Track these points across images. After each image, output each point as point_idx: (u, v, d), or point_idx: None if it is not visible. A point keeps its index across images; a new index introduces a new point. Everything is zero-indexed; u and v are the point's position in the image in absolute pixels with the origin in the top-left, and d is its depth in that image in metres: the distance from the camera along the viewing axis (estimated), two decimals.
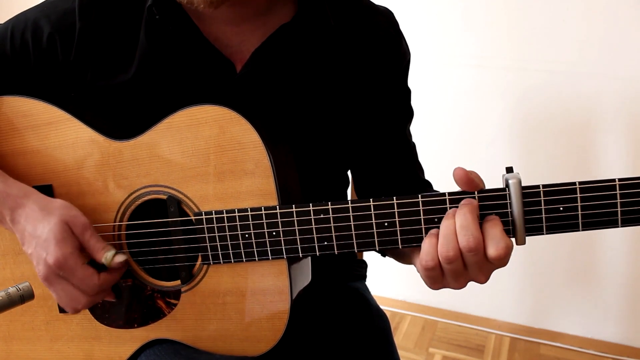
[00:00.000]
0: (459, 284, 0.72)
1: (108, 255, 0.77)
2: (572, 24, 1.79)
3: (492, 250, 0.67)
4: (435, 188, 1.00)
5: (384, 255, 0.97)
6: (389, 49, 0.93)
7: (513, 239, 0.70)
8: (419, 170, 1.02)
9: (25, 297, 0.70)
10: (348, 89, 0.90)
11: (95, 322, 0.87)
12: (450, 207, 0.70)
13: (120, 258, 0.78)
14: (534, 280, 2.09)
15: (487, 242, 0.67)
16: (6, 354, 0.92)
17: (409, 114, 1.00)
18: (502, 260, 0.67)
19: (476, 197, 0.70)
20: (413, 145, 1.02)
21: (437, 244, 0.70)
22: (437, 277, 0.72)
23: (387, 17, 0.95)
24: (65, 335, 0.89)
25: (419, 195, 0.71)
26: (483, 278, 0.71)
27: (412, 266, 0.81)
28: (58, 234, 0.75)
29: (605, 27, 1.75)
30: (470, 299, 2.17)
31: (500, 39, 1.90)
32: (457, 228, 0.68)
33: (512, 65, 1.90)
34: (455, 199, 0.70)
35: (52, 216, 0.76)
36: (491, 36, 1.90)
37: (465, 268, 0.70)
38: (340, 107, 0.90)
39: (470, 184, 0.70)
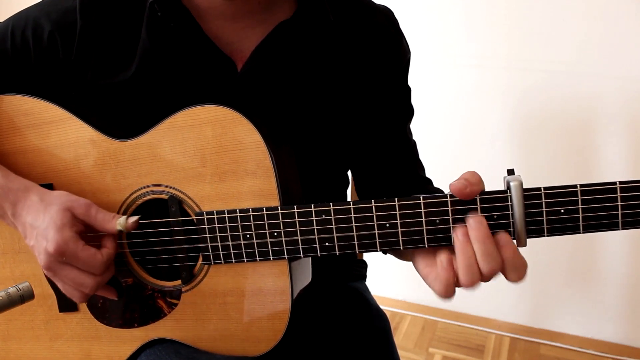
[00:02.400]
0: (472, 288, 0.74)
1: (121, 220, 0.77)
2: (572, 24, 1.79)
3: (515, 278, 0.70)
4: (435, 186, 1.00)
5: (385, 252, 0.97)
6: (389, 48, 0.93)
7: (515, 241, 0.70)
8: (420, 168, 1.02)
9: (25, 297, 0.70)
10: (348, 88, 0.90)
11: (95, 322, 0.87)
12: (452, 209, 0.70)
13: (134, 218, 0.78)
14: (534, 280, 2.09)
15: (509, 269, 0.69)
16: (5, 353, 0.92)
17: (409, 112, 1.00)
18: None
19: (477, 201, 0.70)
20: (414, 143, 1.02)
21: (456, 273, 0.70)
22: None
23: (386, 16, 0.95)
24: (64, 334, 0.89)
25: (421, 197, 0.71)
26: (488, 280, 0.72)
27: (412, 266, 0.81)
28: (58, 221, 0.75)
29: (605, 27, 1.75)
30: (470, 299, 2.17)
31: (500, 39, 1.90)
32: (478, 256, 0.68)
33: (512, 65, 1.90)
34: (457, 200, 0.70)
35: (52, 205, 0.76)
36: (491, 36, 1.90)
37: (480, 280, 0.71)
38: (341, 105, 0.90)
39: (470, 196, 0.70)
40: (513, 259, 0.69)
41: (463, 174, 0.70)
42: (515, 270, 0.69)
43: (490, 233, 0.68)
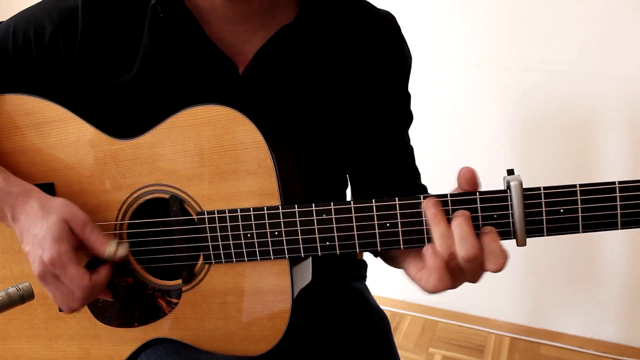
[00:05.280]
0: (457, 284, 0.73)
1: (110, 249, 0.77)
2: (572, 24, 1.79)
3: (492, 265, 0.68)
4: (435, 188, 1.00)
5: (375, 255, 0.98)
6: (390, 53, 0.93)
7: (514, 241, 0.70)
8: (416, 175, 1.02)
9: (25, 297, 0.70)
10: (349, 91, 0.90)
11: (95, 321, 0.87)
12: (452, 208, 0.71)
13: (122, 251, 0.78)
14: (534, 280, 2.09)
15: (487, 256, 0.68)
16: (4, 353, 0.92)
17: (408, 118, 1.00)
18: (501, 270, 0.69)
19: (477, 201, 0.70)
20: (411, 149, 1.02)
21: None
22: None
23: (389, 21, 0.95)
24: (64, 333, 0.89)
25: (421, 196, 0.71)
26: (476, 280, 0.73)
27: None
28: (56, 232, 0.75)
29: (605, 27, 1.76)
30: (470, 299, 2.18)
31: (500, 39, 1.90)
32: (455, 239, 0.68)
33: (512, 65, 1.90)
34: (457, 200, 0.70)
35: (51, 214, 0.76)
36: (491, 36, 1.90)
37: (461, 271, 0.71)
38: (341, 108, 0.90)
39: (474, 184, 0.70)
40: (491, 244, 0.68)
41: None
42: (493, 257, 0.68)
43: (470, 220, 0.69)
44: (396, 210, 0.72)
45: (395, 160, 0.99)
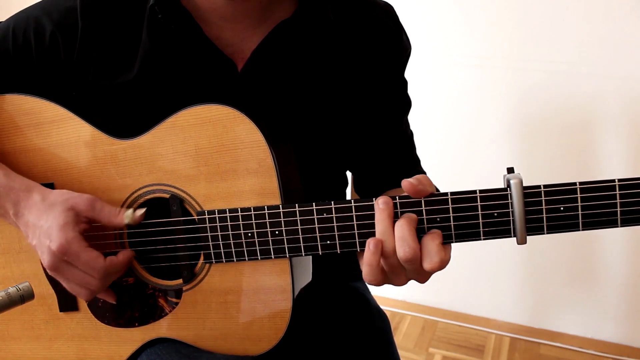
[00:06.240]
0: (400, 281, 0.75)
1: (128, 214, 0.78)
2: (572, 24, 1.79)
3: (427, 264, 0.70)
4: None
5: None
6: (389, 44, 0.93)
7: (514, 239, 0.70)
8: (416, 163, 1.03)
9: (25, 297, 0.70)
10: (348, 85, 0.90)
11: (96, 321, 0.87)
12: (453, 207, 0.71)
13: (140, 211, 0.79)
14: (534, 280, 2.09)
15: (424, 255, 0.70)
16: (4, 353, 0.91)
17: (406, 104, 1.01)
18: (438, 270, 0.71)
19: (478, 199, 0.70)
20: (411, 134, 1.02)
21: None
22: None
23: (387, 12, 0.95)
24: (65, 334, 0.89)
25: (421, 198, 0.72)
26: (422, 280, 0.74)
27: None
28: (61, 220, 0.75)
29: (605, 27, 1.76)
30: (470, 299, 2.17)
31: (500, 39, 1.90)
32: (395, 239, 0.70)
33: (512, 65, 1.90)
34: (457, 198, 0.70)
35: (55, 205, 0.77)
36: (491, 36, 1.90)
37: (403, 269, 0.72)
38: (341, 102, 0.91)
39: (420, 194, 0.71)
40: (429, 244, 0.70)
41: (415, 176, 0.72)
42: (428, 256, 0.70)
43: (413, 222, 0.70)
44: (397, 208, 0.72)
45: (396, 148, 0.99)
